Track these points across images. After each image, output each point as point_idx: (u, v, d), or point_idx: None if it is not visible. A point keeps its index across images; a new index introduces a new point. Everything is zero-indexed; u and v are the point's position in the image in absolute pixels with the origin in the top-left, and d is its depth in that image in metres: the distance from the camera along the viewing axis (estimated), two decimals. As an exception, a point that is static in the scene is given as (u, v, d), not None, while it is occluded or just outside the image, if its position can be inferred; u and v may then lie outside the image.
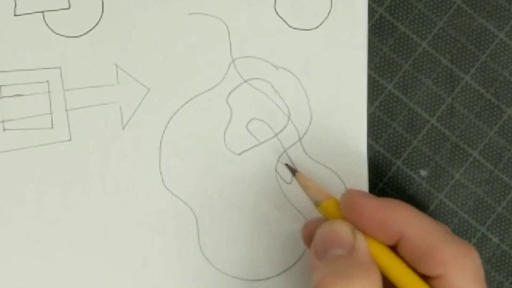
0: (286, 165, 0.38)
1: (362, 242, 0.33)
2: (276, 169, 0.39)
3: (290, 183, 0.39)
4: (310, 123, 0.39)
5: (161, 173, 0.39)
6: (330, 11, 0.39)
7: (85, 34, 0.38)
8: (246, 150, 0.39)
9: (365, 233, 0.33)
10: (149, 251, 0.38)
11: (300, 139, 0.39)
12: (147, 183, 0.38)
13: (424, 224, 0.32)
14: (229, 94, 0.39)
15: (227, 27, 0.38)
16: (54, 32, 0.38)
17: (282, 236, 0.39)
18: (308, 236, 0.36)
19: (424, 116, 0.39)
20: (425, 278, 0.32)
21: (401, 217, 0.33)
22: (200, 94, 0.39)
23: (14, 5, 0.38)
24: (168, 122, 0.38)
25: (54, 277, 0.38)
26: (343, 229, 0.33)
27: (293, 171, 0.37)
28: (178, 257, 0.39)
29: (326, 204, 0.35)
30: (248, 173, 0.39)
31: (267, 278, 0.39)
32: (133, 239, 0.38)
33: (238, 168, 0.39)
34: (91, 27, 0.38)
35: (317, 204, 0.35)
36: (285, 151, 0.39)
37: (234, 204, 0.39)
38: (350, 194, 0.34)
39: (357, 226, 0.33)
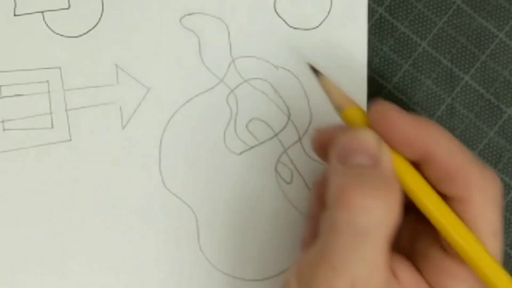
0: (309, 65, 0.36)
1: (387, 155, 0.31)
2: (276, 169, 0.39)
3: (290, 183, 0.39)
4: (310, 123, 0.39)
5: (161, 173, 0.39)
6: (330, 11, 0.39)
7: (85, 34, 0.38)
8: (246, 150, 0.39)
9: (391, 146, 0.32)
10: (149, 251, 0.38)
11: (300, 139, 0.39)
12: (147, 183, 0.38)
13: (453, 145, 0.31)
14: (229, 94, 0.39)
15: (227, 27, 0.38)
16: (54, 32, 0.38)
17: (282, 236, 0.39)
18: (320, 143, 0.34)
19: (424, 116, 0.39)
20: (446, 199, 0.31)
21: (433, 135, 0.31)
22: (200, 94, 0.39)
23: (14, 5, 0.38)
24: (168, 122, 0.38)
25: (54, 277, 0.38)
26: (369, 138, 0.31)
27: (317, 73, 0.35)
28: (178, 257, 0.39)
29: (351, 111, 0.33)
30: (248, 173, 0.39)
31: (267, 278, 0.39)
32: (133, 239, 0.38)
33: (238, 168, 0.39)
34: (91, 27, 0.38)
35: (339, 109, 0.34)
36: (285, 151, 0.39)
37: (234, 204, 0.39)
38: (382, 105, 0.32)
39: (385, 139, 0.32)
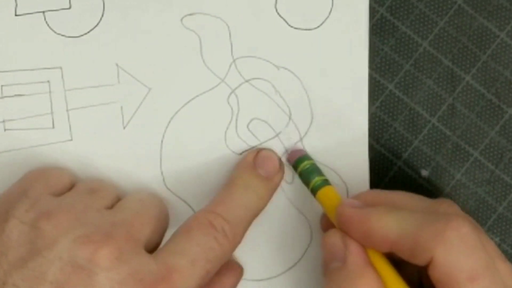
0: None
1: (353, 250, 0.33)
2: (277, 169, 0.39)
3: (290, 183, 0.39)
4: (311, 123, 0.39)
5: (162, 172, 0.39)
6: (331, 11, 0.39)
7: (86, 34, 0.38)
8: (247, 150, 0.39)
9: (365, 241, 0.34)
10: (150, 251, 0.39)
11: (301, 139, 0.39)
12: (148, 183, 0.38)
13: (401, 220, 0.33)
14: (230, 94, 0.39)
15: (228, 27, 0.38)
16: (55, 32, 0.38)
17: (283, 236, 0.39)
18: (326, 228, 0.37)
19: (425, 116, 0.39)
20: (426, 269, 0.32)
21: (382, 225, 0.33)
22: (201, 94, 0.39)
23: (15, 5, 0.38)
24: (169, 122, 0.38)
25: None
26: (334, 240, 0.34)
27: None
28: (179, 257, 0.39)
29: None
30: (249, 173, 0.39)
31: (268, 278, 0.39)
32: (134, 239, 0.38)
33: (239, 168, 0.39)
34: (92, 27, 0.38)
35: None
36: (286, 151, 0.39)
37: (235, 204, 0.39)
38: (341, 206, 0.35)
39: (359, 235, 0.34)
